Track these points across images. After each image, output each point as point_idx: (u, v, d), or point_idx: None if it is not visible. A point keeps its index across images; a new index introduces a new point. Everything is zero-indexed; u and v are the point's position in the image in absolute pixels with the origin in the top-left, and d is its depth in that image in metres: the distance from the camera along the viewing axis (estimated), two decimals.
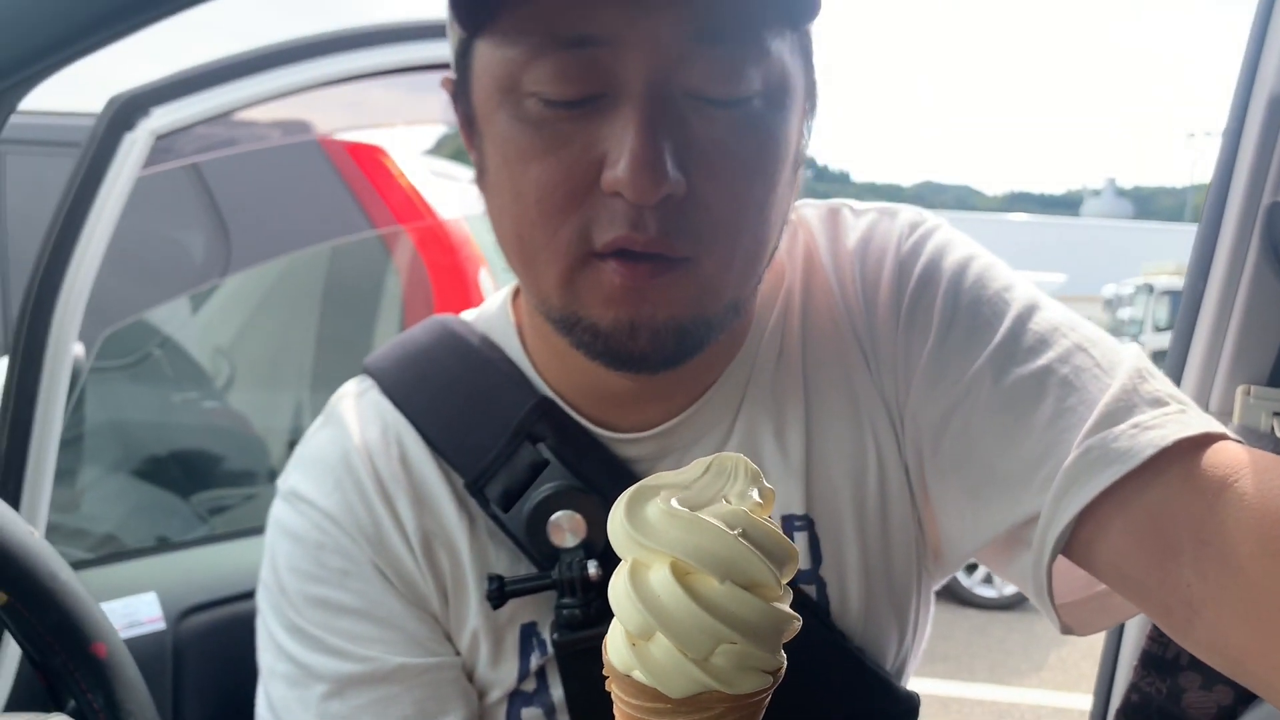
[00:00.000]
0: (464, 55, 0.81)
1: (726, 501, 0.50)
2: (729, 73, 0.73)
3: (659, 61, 0.72)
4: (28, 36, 1.17)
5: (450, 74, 0.86)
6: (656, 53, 0.72)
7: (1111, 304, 17.34)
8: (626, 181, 0.71)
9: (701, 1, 0.72)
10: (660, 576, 0.47)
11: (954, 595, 6.58)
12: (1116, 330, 14.68)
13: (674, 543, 0.48)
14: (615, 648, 0.49)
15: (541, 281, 0.79)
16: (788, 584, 0.50)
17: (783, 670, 0.49)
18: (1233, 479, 0.70)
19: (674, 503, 0.48)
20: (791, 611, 0.49)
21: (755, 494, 0.50)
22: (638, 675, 0.48)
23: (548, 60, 0.72)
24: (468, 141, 0.86)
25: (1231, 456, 0.73)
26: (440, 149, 3.86)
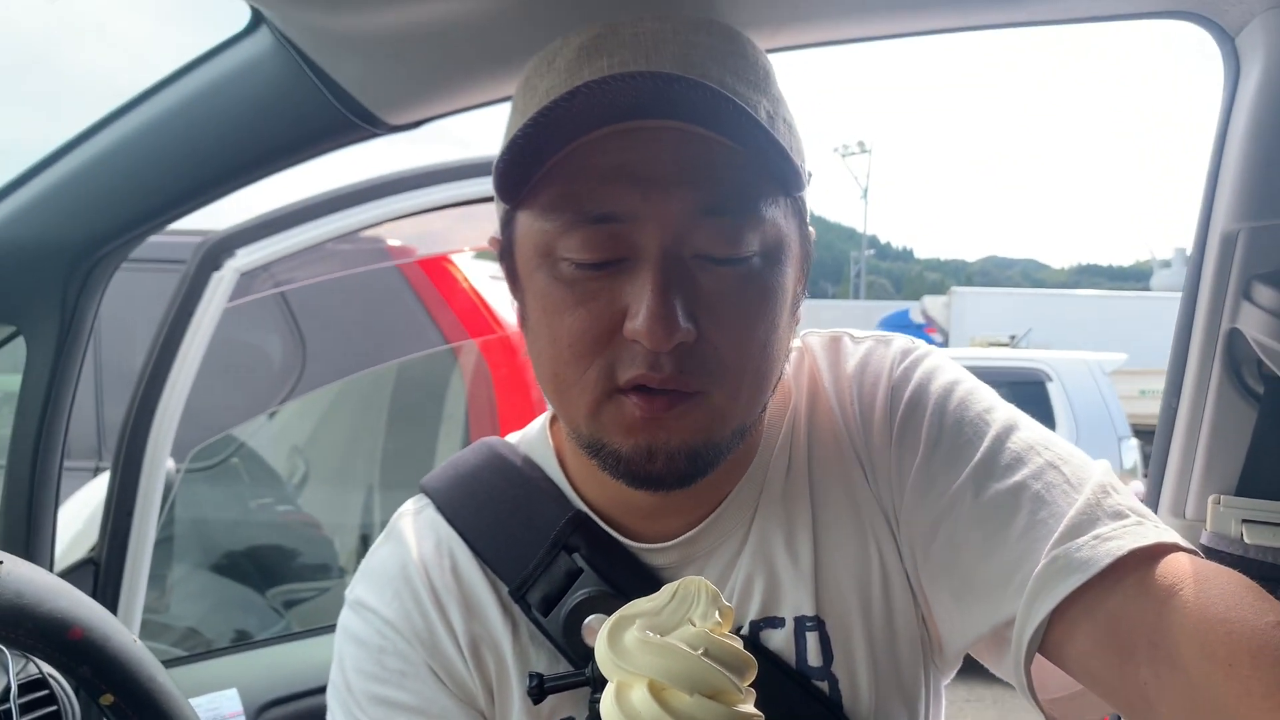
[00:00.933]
0: (508, 223, 0.94)
1: (691, 624, 0.62)
2: (730, 238, 0.86)
3: (670, 231, 0.85)
4: (126, 210, 1.35)
5: (497, 235, 1.00)
6: (668, 225, 0.85)
7: None
8: (644, 332, 0.83)
9: (705, 182, 0.85)
10: (639, 695, 0.59)
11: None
12: None
13: (648, 666, 0.60)
14: None
15: (573, 412, 0.91)
16: (749, 685, 0.63)
17: None
18: (1179, 587, 0.79)
19: (647, 631, 0.61)
20: (754, 710, 0.61)
21: (716, 614, 0.62)
22: None
23: (577, 233, 0.86)
24: (513, 292, 0.99)
25: (1179, 566, 0.81)
26: (487, 254, 4.03)
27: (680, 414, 0.86)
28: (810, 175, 0.97)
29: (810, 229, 0.97)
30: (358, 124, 1.25)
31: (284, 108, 1.26)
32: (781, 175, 0.88)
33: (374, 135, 1.29)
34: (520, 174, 0.86)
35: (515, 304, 0.98)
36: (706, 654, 0.60)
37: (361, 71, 1.19)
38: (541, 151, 0.84)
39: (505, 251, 0.96)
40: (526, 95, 0.91)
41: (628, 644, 0.61)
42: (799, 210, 0.93)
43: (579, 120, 0.82)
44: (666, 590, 0.64)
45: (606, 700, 0.61)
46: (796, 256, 0.93)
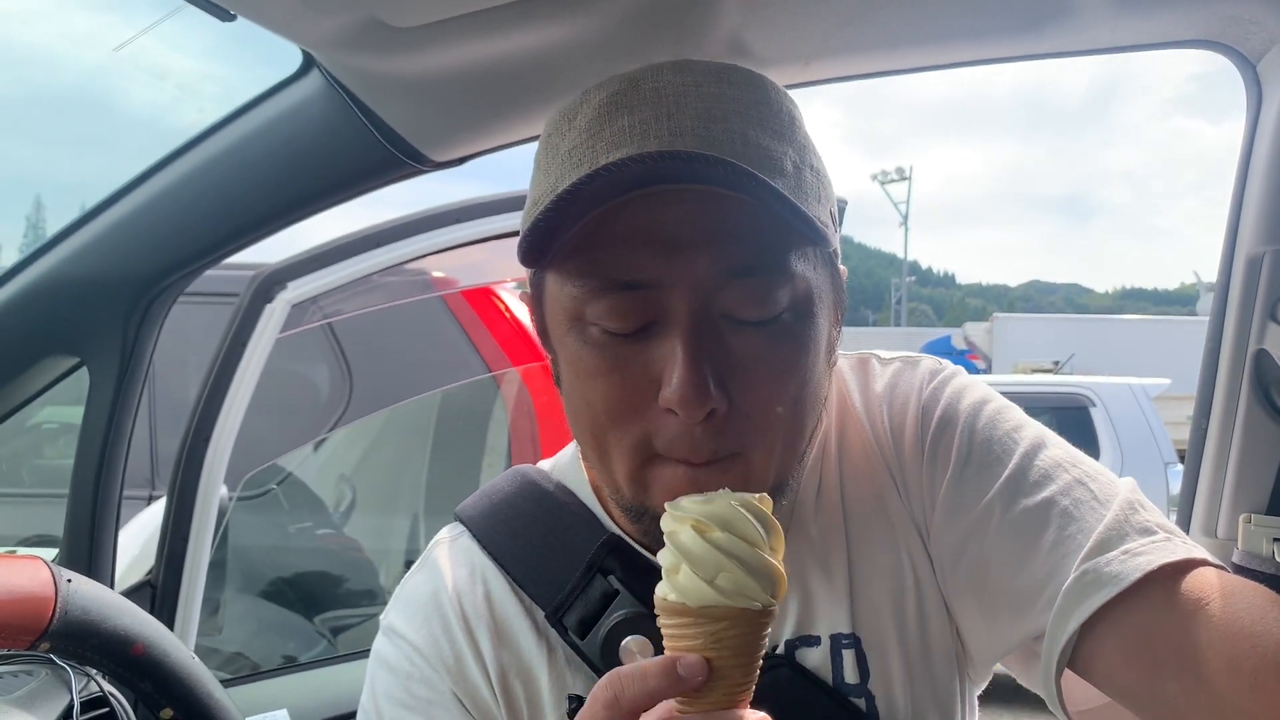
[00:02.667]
0: (538, 283, 0.96)
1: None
2: (759, 298, 0.86)
3: (698, 295, 0.85)
4: (184, 246, 1.42)
5: (528, 292, 1.01)
6: (695, 288, 0.85)
7: None
8: (677, 402, 0.83)
9: (731, 242, 0.85)
10: (686, 530, 0.73)
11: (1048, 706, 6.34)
12: None
13: (695, 512, 0.74)
14: (660, 585, 0.74)
15: (614, 475, 0.92)
16: (780, 560, 0.74)
17: (771, 611, 0.73)
18: (1206, 602, 0.81)
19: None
20: (777, 564, 0.74)
21: (754, 496, 0.76)
22: (672, 597, 0.72)
23: (605, 300, 0.86)
24: (545, 348, 1.00)
25: (1206, 581, 0.83)
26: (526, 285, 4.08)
27: (720, 472, 0.87)
28: (845, 204, 0.99)
29: (842, 269, 0.97)
30: (405, 161, 1.30)
31: (334, 146, 1.32)
32: (810, 231, 0.87)
33: (420, 172, 1.34)
34: (542, 244, 0.86)
35: (549, 359, 0.99)
36: (743, 506, 0.74)
37: (408, 111, 1.24)
38: (563, 220, 0.84)
39: (536, 308, 0.98)
40: (549, 154, 0.91)
41: (682, 503, 0.76)
42: (829, 258, 0.94)
43: (599, 195, 0.83)
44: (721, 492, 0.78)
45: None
46: (829, 304, 0.94)
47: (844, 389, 1.08)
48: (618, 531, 1.04)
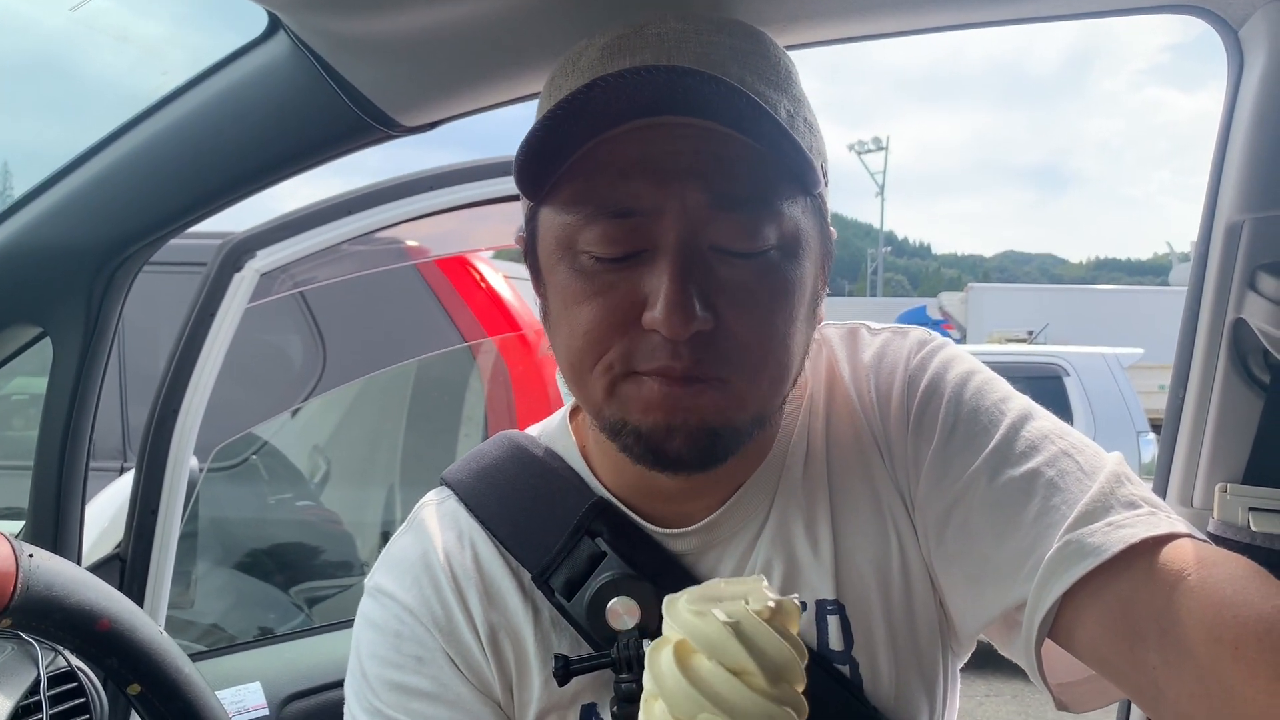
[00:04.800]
0: (532, 219, 0.97)
1: (744, 603, 0.64)
2: (747, 232, 0.87)
3: (688, 224, 0.86)
4: (149, 212, 1.38)
5: (522, 232, 1.02)
6: (685, 218, 0.86)
7: None
8: (662, 320, 0.84)
9: (722, 175, 0.87)
10: (665, 653, 0.63)
11: None
12: None
13: (683, 625, 0.63)
14: (640, 708, 0.66)
15: (592, 396, 0.93)
16: (803, 690, 0.65)
17: None
18: (1187, 573, 0.80)
19: (700, 598, 0.64)
20: (782, 710, 0.62)
21: (770, 601, 0.64)
22: None
23: (597, 226, 0.88)
24: (536, 288, 1.01)
25: (1188, 553, 0.82)
26: (505, 253, 4.06)
27: (698, 393, 0.87)
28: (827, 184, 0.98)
29: (831, 230, 0.98)
30: (374, 126, 1.27)
31: (301, 111, 1.29)
32: (800, 173, 0.89)
33: (389, 137, 1.31)
34: (540, 170, 0.88)
35: (539, 300, 0.99)
36: (736, 628, 0.62)
37: (377, 74, 1.21)
38: (562, 148, 0.86)
39: (529, 248, 0.98)
40: (551, 95, 0.93)
41: (678, 605, 0.65)
42: (819, 209, 0.94)
43: (597, 115, 0.83)
44: (753, 577, 0.68)
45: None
46: (816, 254, 0.94)
47: (832, 358, 1.08)
48: (606, 495, 1.04)
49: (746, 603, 0.64)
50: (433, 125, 1.31)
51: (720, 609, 0.63)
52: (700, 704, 0.60)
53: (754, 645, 0.62)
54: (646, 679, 0.65)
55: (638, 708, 0.95)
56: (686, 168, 0.85)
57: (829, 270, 0.99)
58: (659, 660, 0.64)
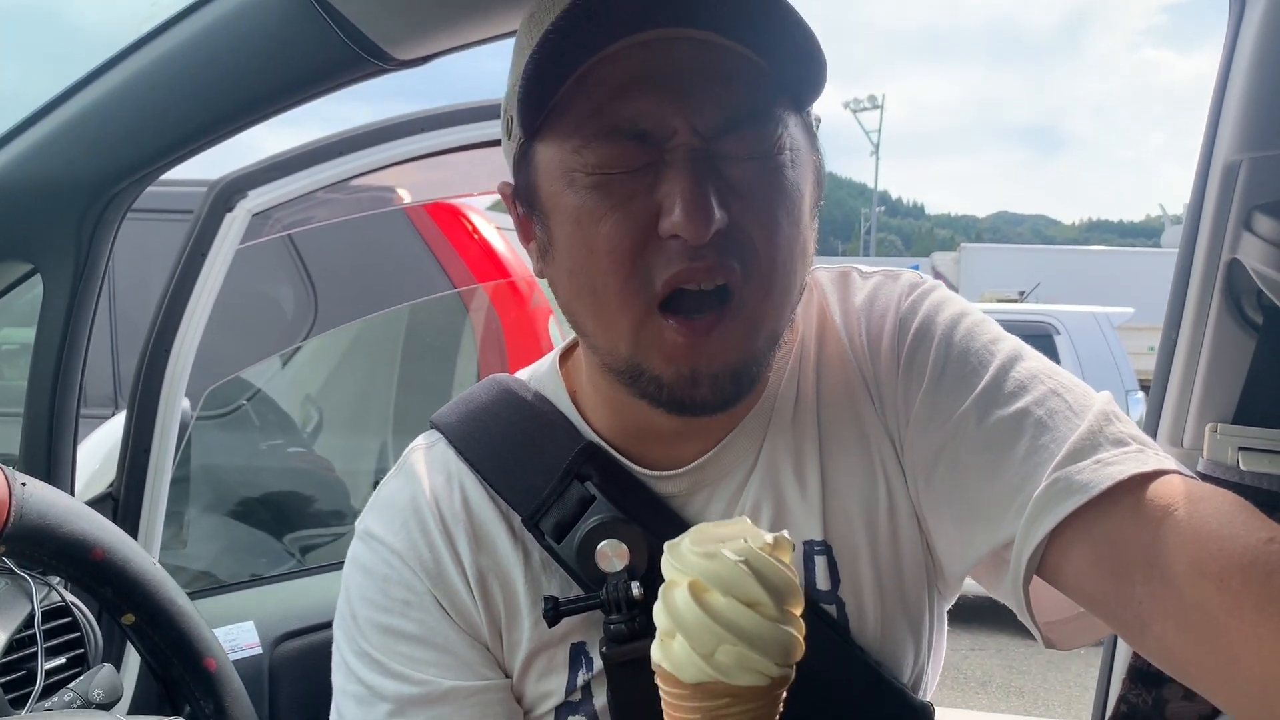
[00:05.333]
0: (522, 158, 0.95)
1: (745, 542, 0.67)
2: (752, 139, 0.88)
3: (695, 135, 0.87)
4: (139, 147, 1.37)
5: (507, 182, 1.01)
6: (692, 130, 0.86)
7: None
8: (683, 223, 0.84)
9: (726, 87, 0.87)
10: (680, 592, 0.66)
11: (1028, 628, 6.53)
12: None
13: (693, 567, 0.66)
14: (654, 645, 0.68)
15: (612, 333, 0.92)
16: (802, 612, 0.68)
17: (786, 680, 0.67)
18: (1174, 508, 0.81)
19: (703, 540, 0.68)
20: (790, 631, 0.67)
21: (768, 538, 0.68)
22: (665, 666, 0.66)
23: (602, 144, 0.87)
24: (525, 234, 1.00)
25: (1175, 488, 0.83)
26: (499, 205, 4.06)
27: (721, 333, 0.88)
28: (819, 120, 0.98)
29: (820, 153, 0.98)
30: (367, 59, 1.26)
31: (293, 44, 1.27)
32: (795, 88, 0.90)
33: (382, 71, 1.29)
34: (540, 94, 0.87)
35: (534, 245, 0.98)
36: (747, 564, 0.66)
37: (369, 6, 1.19)
38: (560, 67, 0.85)
39: (521, 192, 0.97)
40: (532, 30, 0.91)
41: (682, 549, 0.68)
42: (808, 126, 0.95)
43: (595, 30, 0.83)
44: (738, 519, 0.71)
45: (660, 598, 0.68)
46: (812, 167, 0.95)
47: (824, 301, 1.08)
48: (595, 439, 1.04)
49: (745, 541, 0.67)
50: (426, 59, 1.29)
51: (727, 548, 0.66)
52: (721, 636, 0.64)
53: (764, 578, 0.66)
54: (661, 619, 0.67)
55: (628, 647, 0.96)
56: (691, 82, 0.85)
57: (822, 190, 0.99)
58: (674, 600, 0.66)
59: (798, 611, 0.68)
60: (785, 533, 0.70)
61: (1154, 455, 0.86)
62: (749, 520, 0.72)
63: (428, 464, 1.07)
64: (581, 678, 1.00)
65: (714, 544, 0.67)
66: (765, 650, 0.65)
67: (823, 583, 0.99)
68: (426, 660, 0.98)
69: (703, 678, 0.65)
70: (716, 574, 0.65)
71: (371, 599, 1.01)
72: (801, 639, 0.68)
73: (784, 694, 0.68)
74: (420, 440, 1.11)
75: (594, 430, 1.05)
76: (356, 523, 1.07)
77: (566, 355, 1.12)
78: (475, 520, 1.02)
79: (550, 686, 1.00)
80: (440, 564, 1.00)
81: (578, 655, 1.01)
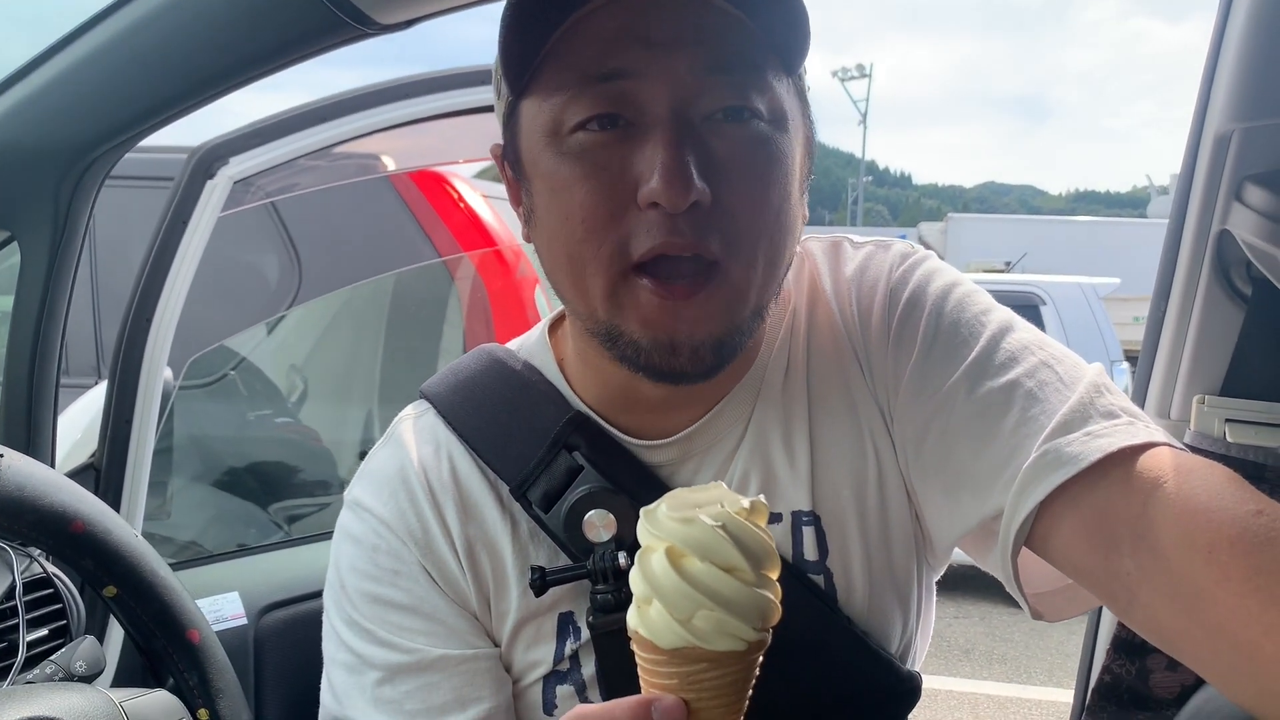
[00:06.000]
0: (511, 116, 0.95)
1: (722, 506, 0.67)
2: (737, 95, 0.87)
3: (678, 91, 0.86)
4: (117, 111, 1.34)
5: (498, 144, 1.00)
6: (675, 83, 0.85)
7: None
8: (660, 192, 0.83)
9: (709, 42, 0.86)
10: (658, 557, 0.66)
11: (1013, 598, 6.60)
12: None
13: (670, 532, 0.66)
14: (630, 611, 0.68)
15: (589, 296, 0.91)
16: (779, 577, 0.68)
17: (763, 644, 0.67)
18: (1163, 480, 0.81)
19: (679, 506, 0.67)
20: (767, 596, 0.67)
21: (745, 502, 0.68)
22: (642, 632, 0.66)
23: (584, 96, 0.86)
24: (515, 198, 0.99)
25: (1164, 461, 0.83)
26: (486, 173, 4.03)
27: (701, 301, 0.87)
28: (809, 88, 0.97)
29: (812, 121, 0.97)
30: (348, 23, 1.23)
31: (273, 6, 1.24)
32: (782, 48, 0.88)
33: (365, 35, 1.27)
34: (520, 50, 0.86)
35: (523, 206, 0.97)
36: (724, 529, 0.65)
37: None
38: (542, 21, 0.85)
39: (509, 151, 0.96)
40: None
41: (659, 514, 0.68)
42: (800, 92, 0.94)
43: None
44: (713, 485, 0.71)
45: (635, 564, 0.68)
46: (802, 135, 0.94)
47: (815, 271, 1.07)
48: (584, 409, 1.04)
49: (723, 506, 0.67)
50: (408, 24, 1.26)
51: (704, 513, 0.66)
52: (699, 601, 0.64)
53: (741, 543, 0.65)
54: (638, 585, 0.67)
55: (614, 617, 0.96)
56: (673, 36, 0.85)
57: (812, 163, 0.98)
58: (651, 565, 0.66)
59: (774, 576, 0.68)
60: (761, 497, 0.70)
61: (1144, 428, 0.86)
62: (725, 485, 0.72)
63: (416, 434, 1.07)
64: (569, 647, 1.00)
65: (691, 509, 0.67)
66: (743, 615, 0.65)
67: (810, 553, 1.00)
68: (415, 629, 0.99)
69: (680, 643, 0.65)
70: (694, 539, 0.65)
71: (360, 568, 1.01)
72: (778, 603, 0.68)
73: (759, 658, 0.68)
74: (409, 410, 1.11)
75: (582, 400, 1.05)
76: (345, 492, 1.07)
77: (556, 325, 1.11)
78: (463, 490, 1.03)
79: (538, 656, 1.01)
80: (429, 534, 1.01)
81: (565, 625, 1.01)
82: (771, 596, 0.67)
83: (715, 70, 0.85)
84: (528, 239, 0.99)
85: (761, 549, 0.66)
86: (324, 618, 1.05)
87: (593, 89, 0.85)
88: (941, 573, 1.11)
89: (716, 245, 0.86)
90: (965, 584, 6.33)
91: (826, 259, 1.08)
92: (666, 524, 0.67)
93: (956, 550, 1.02)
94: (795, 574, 0.98)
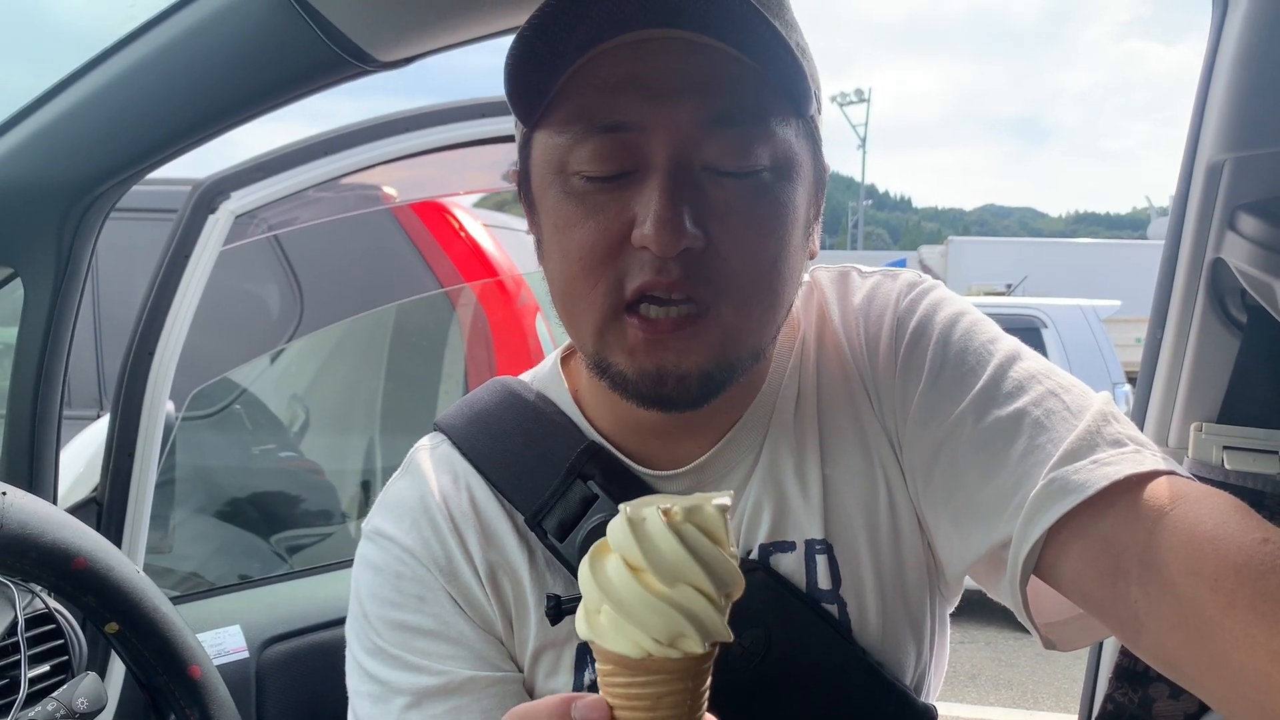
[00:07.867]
0: (525, 147, 0.96)
1: (666, 505, 0.64)
2: (739, 150, 0.87)
3: (679, 141, 0.86)
4: (120, 149, 1.36)
5: (515, 166, 1.01)
6: (677, 134, 0.86)
7: None
8: (652, 237, 0.84)
9: (713, 92, 0.86)
10: (592, 550, 0.65)
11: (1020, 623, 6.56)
12: None
13: (612, 528, 0.64)
14: (578, 620, 0.65)
15: (580, 331, 0.93)
16: (723, 594, 0.65)
17: (682, 666, 0.63)
18: (1169, 509, 0.81)
19: (640, 501, 0.65)
20: (671, 611, 0.62)
21: (686, 503, 0.64)
22: (596, 642, 0.64)
23: (588, 144, 0.87)
24: (531, 224, 1.01)
25: (1171, 489, 0.83)
26: (485, 202, 4.04)
27: (689, 335, 0.88)
28: (822, 124, 0.97)
29: (826, 164, 0.98)
30: (349, 61, 1.25)
31: (274, 45, 1.26)
32: (792, 93, 0.89)
33: (365, 73, 1.29)
34: (532, 88, 0.88)
35: (533, 235, 0.99)
36: (636, 526, 0.63)
37: (352, 7, 1.19)
38: (554, 63, 0.86)
39: (523, 178, 0.98)
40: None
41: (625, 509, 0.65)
42: (811, 134, 0.94)
43: (587, 25, 0.83)
44: (717, 494, 0.68)
45: (581, 569, 0.66)
46: (809, 180, 0.94)
47: (823, 301, 1.08)
48: (598, 439, 1.05)
49: (671, 506, 0.64)
50: (408, 61, 1.28)
51: (630, 506, 0.64)
52: (601, 598, 0.63)
53: (648, 544, 0.62)
54: (587, 590, 0.66)
55: None
56: (678, 85, 0.85)
57: (822, 200, 0.99)
58: (606, 572, 0.65)
59: (700, 587, 0.62)
60: (731, 494, 0.68)
61: (1151, 456, 0.86)
62: (728, 497, 0.67)
63: (434, 464, 1.08)
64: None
65: (643, 505, 0.64)
66: (639, 622, 0.61)
67: (824, 582, 1.00)
68: (442, 653, 0.99)
69: (587, 635, 0.64)
70: (611, 532, 0.64)
71: (383, 596, 1.01)
72: (705, 625, 0.62)
73: (691, 685, 0.63)
74: (425, 441, 1.12)
75: (596, 430, 1.06)
76: (364, 523, 1.08)
77: (569, 356, 1.12)
78: (483, 518, 1.03)
79: (556, 685, 1.01)
80: (452, 560, 1.01)
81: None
82: (682, 617, 0.61)
83: (718, 123, 0.86)
84: (539, 258, 1.00)
85: (671, 555, 0.61)
86: (346, 653, 1.04)
87: (597, 138, 0.86)
88: (955, 604, 1.10)
89: (707, 291, 0.87)
90: (971, 609, 6.29)
91: (834, 288, 1.09)
92: (619, 518, 0.64)
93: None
94: (809, 603, 0.99)
